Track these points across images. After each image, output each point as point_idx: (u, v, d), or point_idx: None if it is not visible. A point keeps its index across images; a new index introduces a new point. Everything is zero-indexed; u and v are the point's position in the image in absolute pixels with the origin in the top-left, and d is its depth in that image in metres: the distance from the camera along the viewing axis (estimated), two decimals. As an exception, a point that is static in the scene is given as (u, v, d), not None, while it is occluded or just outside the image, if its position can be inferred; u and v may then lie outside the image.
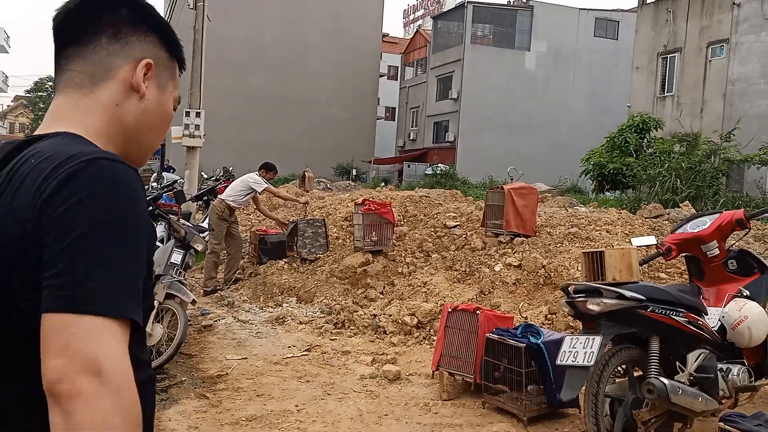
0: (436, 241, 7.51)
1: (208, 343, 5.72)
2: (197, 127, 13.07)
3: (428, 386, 4.52)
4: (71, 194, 0.87)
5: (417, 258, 7.13)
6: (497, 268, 6.01)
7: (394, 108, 45.25)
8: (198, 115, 13.10)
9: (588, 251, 3.44)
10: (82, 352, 0.82)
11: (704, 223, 3.76)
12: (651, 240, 4.00)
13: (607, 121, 27.31)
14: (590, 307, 3.08)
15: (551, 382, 3.76)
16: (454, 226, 7.72)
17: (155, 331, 5.16)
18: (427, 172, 31.43)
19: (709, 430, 3.68)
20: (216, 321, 6.37)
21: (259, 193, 8.10)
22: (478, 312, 4.26)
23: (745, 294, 3.57)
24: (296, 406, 4.25)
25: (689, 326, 3.16)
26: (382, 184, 25.21)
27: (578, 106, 35.00)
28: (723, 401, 3.29)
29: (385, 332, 5.63)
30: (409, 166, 34.98)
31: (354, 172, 33.79)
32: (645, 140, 17.80)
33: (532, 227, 6.39)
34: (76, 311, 0.83)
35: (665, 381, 2.97)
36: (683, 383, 3.10)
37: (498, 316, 4.37)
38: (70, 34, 1.03)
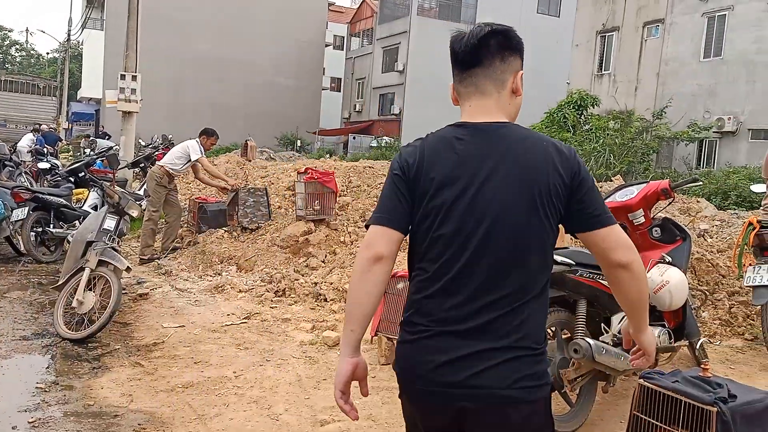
0: (377, 210, 7.54)
1: (143, 312, 5.61)
2: (133, 91, 12.56)
3: (367, 351, 4.58)
4: (581, 162, 1.64)
5: (359, 227, 7.15)
6: (437, 237, 6.11)
7: (340, 79, 44.75)
8: (134, 78, 12.58)
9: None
10: (627, 242, 1.62)
11: (631, 193, 3.91)
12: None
13: (548, 98, 27.87)
14: None
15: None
16: (396, 196, 7.78)
17: (87, 299, 5.03)
18: (372, 145, 31.38)
19: (630, 387, 3.88)
20: (153, 289, 6.24)
21: (192, 162, 7.85)
22: (416, 278, 4.32)
23: (667, 260, 3.75)
24: (234, 372, 4.24)
25: (614, 290, 3.30)
26: (327, 155, 25.02)
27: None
28: (644, 361, 3.47)
29: (325, 300, 5.66)
30: (354, 138, 34.83)
31: (298, 142, 33.41)
32: (582, 116, 18.30)
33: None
34: (610, 224, 1.62)
35: (590, 341, 3.11)
36: (607, 344, 3.25)
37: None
38: (476, 59, 1.66)
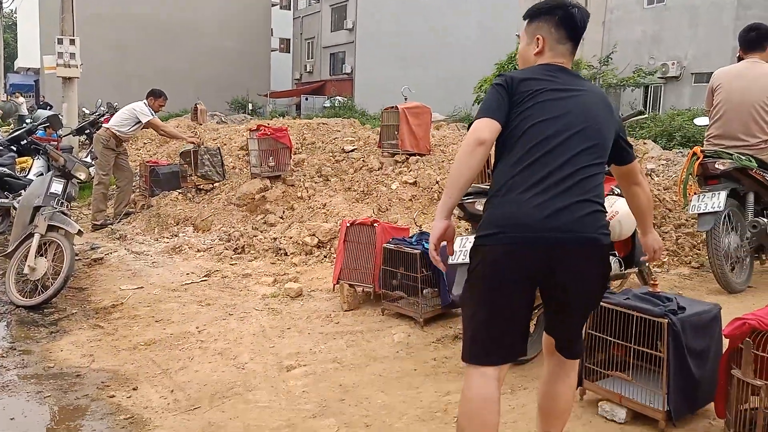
0: (334, 165, 7.51)
1: (99, 276, 5.50)
2: (72, 55, 12.02)
3: (330, 299, 4.62)
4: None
5: (316, 182, 7.11)
6: (394, 186, 6.13)
7: (289, 39, 43.75)
8: (72, 42, 12.03)
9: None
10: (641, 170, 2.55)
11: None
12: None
13: (499, 50, 27.86)
14: (479, 207, 3.22)
15: (444, 285, 3.94)
16: (352, 150, 7.75)
17: (39, 265, 4.90)
18: (325, 105, 30.98)
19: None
20: (108, 254, 6.11)
21: (144, 125, 7.61)
22: (375, 225, 4.35)
23: (616, 192, 3.85)
24: (197, 327, 4.22)
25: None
26: (280, 117, 24.60)
27: (471, 35, 35.35)
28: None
29: (286, 254, 5.64)
30: (306, 99, 34.31)
31: (250, 106, 32.74)
32: (533, 67, 18.37)
33: (426, 146, 6.50)
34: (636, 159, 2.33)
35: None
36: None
37: (394, 228, 4.49)
38: (577, 36, 2.27)
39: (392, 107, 6.99)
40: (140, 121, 7.51)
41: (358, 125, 11.11)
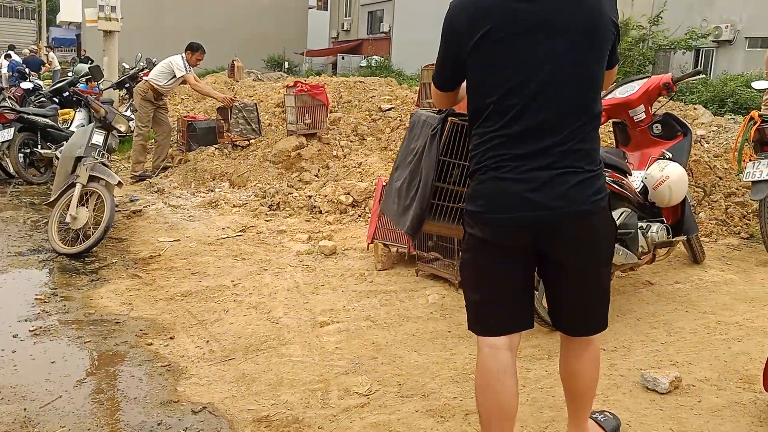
0: (371, 124, 7.41)
1: (138, 228, 5.58)
2: (113, 8, 12.03)
3: (363, 259, 4.59)
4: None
5: (352, 141, 7.04)
6: (432, 147, 6.01)
7: (327, -4, 43.18)
8: (113, -5, 12.06)
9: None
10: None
11: (632, 88, 3.81)
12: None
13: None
14: None
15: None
16: (389, 109, 7.63)
17: (80, 214, 4.99)
18: (361, 65, 30.63)
19: (626, 285, 3.93)
20: (146, 207, 6.18)
21: (180, 80, 7.57)
22: (412, 184, 4.27)
23: (667, 156, 3.70)
24: (232, 281, 4.25)
25: (614, 185, 3.26)
26: (316, 76, 24.44)
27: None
28: (642, 257, 3.47)
29: (320, 212, 5.62)
30: (343, 58, 33.96)
31: (286, 64, 32.58)
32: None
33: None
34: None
35: None
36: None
37: (432, 188, 4.40)
38: None
39: (433, 64, 6.80)
40: (176, 76, 7.50)
41: (395, 84, 10.92)
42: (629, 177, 3.50)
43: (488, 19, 1.78)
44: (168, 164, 7.81)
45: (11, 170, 7.42)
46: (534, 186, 1.77)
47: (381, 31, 35.22)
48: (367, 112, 7.70)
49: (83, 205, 5.05)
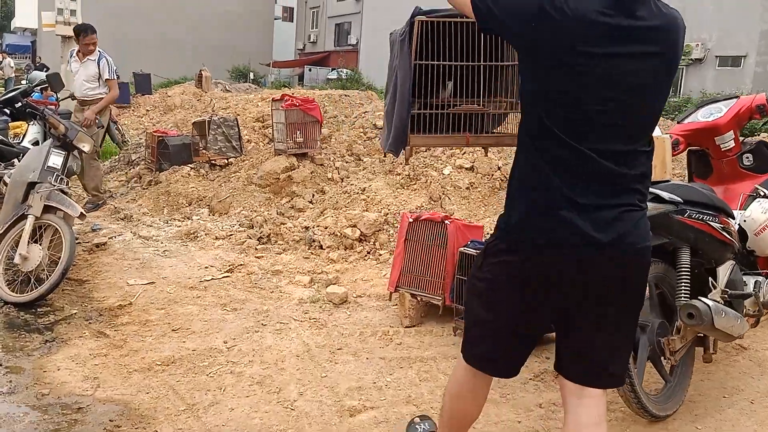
0: (366, 143, 6.68)
1: (103, 266, 4.69)
2: (73, 12, 11.08)
3: (382, 309, 3.83)
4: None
5: (347, 162, 6.29)
6: (446, 171, 5.30)
7: (293, 8, 42.43)
8: (73, -3, 11.09)
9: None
10: None
11: (719, 110, 3.19)
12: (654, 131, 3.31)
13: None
14: None
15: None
16: (386, 127, 6.91)
17: (32, 253, 4.10)
18: (330, 77, 29.94)
19: (728, 352, 3.26)
20: (111, 238, 5.29)
21: None
22: (446, 222, 3.54)
23: (763, 193, 3.07)
24: (225, 342, 3.44)
25: (724, 233, 2.60)
26: (284, 88, 23.64)
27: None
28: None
29: (320, 247, 4.83)
30: (310, 70, 33.31)
31: (251, 75, 31.67)
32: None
33: (483, 125, 5.66)
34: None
35: (709, 303, 2.41)
36: (720, 303, 2.56)
37: (468, 226, 3.68)
38: None
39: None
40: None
41: (375, 97, 10.24)
42: (733, 220, 2.84)
43: (577, 31, 1.57)
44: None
45: (-50, 192, 6.40)
46: (559, 219, 1.64)
47: (348, 43, 34.76)
48: (361, 130, 6.97)
49: (36, 241, 4.16)
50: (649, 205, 2.39)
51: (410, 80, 2.14)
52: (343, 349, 3.33)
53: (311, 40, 38.78)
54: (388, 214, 4.86)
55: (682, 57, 12.06)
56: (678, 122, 3.39)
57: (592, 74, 1.57)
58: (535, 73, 1.65)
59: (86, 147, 4.59)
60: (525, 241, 1.68)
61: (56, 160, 4.38)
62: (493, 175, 5.18)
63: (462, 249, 3.38)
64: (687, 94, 20.93)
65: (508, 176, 5.11)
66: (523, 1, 1.62)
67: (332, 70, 31.63)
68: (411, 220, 3.67)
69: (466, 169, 5.31)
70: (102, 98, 6.11)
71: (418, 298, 3.60)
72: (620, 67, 1.58)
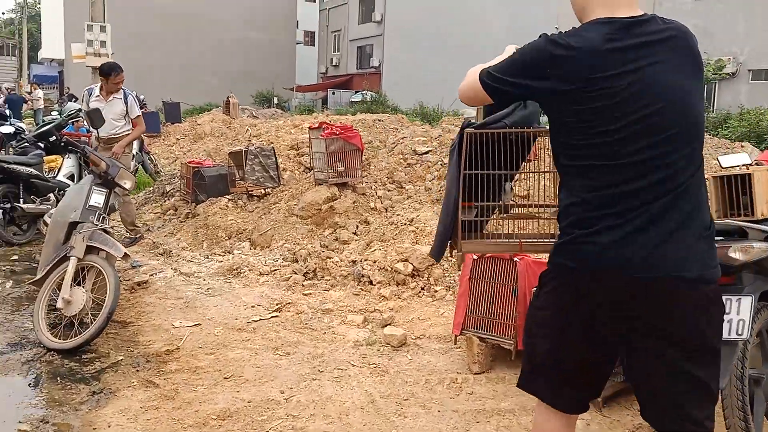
0: (407, 169, 6.47)
1: (146, 306, 4.52)
2: (102, 43, 11.16)
3: (445, 353, 3.59)
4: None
5: (389, 190, 6.08)
6: (499, 201, 5.05)
7: (314, 32, 42.80)
8: (103, 29, 11.17)
9: (721, 174, 2.50)
10: None
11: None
12: (743, 158, 3.02)
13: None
14: (733, 255, 2.17)
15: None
16: (427, 152, 6.70)
17: (75, 296, 3.94)
18: (353, 99, 29.98)
19: None
20: (152, 275, 5.13)
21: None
22: (516, 259, 3.30)
23: None
24: (281, 391, 3.22)
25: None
26: (307, 112, 23.66)
27: (502, 26, 33.78)
28: None
29: (371, 282, 4.61)
30: (333, 93, 33.42)
31: (275, 100, 31.87)
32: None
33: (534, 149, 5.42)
34: None
35: None
36: None
37: (538, 263, 3.43)
38: None
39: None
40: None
41: (407, 122, 10.07)
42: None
43: (592, 61, 1.59)
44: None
45: (-13, 229, 6.32)
46: (618, 241, 1.59)
47: (371, 65, 34.82)
48: (401, 156, 6.77)
49: (79, 284, 4.00)
50: (760, 245, 2.14)
51: (456, 190, 2.18)
52: (410, 400, 3.08)
53: (333, 63, 38.98)
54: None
55: (716, 73, 11.80)
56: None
57: (621, 93, 1.56)
58: (566, 110, 1.64)
59: (128, 184, 4.45)
60: (575, 268, 1.65)
61: (98, 198, 4.24)
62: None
63: (535, 289, 3.12)
64: (724, 108, 20.39)
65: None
66: (532, 58, 1.67)
67: (356, 92, 31.70)
68: (475, 257, 3.43)
69: (521, 196, 5.07)
70: (128, 134, 5.98)
71: (487, 342, 3.34)
72: (645, 79, 1.57)
